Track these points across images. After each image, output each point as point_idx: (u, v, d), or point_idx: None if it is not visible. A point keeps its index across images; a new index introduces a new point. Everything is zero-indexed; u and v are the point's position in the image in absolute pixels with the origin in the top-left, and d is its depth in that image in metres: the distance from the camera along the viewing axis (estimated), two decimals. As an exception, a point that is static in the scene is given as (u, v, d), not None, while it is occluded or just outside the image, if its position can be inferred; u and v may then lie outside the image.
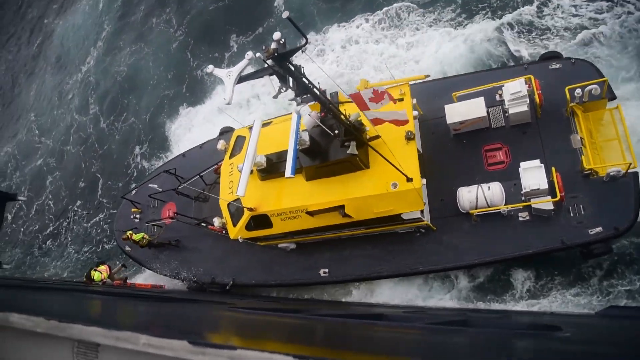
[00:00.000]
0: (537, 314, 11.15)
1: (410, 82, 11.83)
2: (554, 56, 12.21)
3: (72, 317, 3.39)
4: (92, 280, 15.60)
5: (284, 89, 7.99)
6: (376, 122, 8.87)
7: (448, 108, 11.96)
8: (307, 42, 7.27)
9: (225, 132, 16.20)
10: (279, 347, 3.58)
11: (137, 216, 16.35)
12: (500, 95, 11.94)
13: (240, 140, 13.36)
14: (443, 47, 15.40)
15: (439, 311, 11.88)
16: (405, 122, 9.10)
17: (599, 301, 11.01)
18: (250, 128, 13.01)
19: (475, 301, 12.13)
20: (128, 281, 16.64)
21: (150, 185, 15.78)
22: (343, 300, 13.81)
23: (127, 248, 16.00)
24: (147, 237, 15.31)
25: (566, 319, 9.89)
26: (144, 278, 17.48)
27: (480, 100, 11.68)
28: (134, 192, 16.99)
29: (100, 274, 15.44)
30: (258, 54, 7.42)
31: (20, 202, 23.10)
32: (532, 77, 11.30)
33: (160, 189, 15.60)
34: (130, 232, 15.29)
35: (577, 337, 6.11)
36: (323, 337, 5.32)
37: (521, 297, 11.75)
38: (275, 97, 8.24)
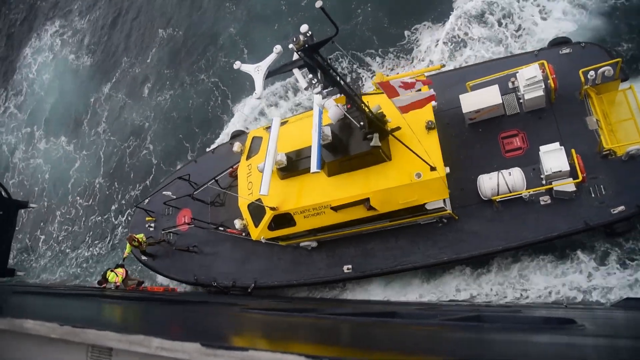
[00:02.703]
0: (550, 307, 11.17)
1: (426, 74, 11.95)
2: (563, 41, 12.39)
3: (85, 322, 3.46)
4: (106, 281, 15.51)
5: (315, 80, 8.05)
6: (404, 109, 8.93)
7: (463, 98, 12.10)
8: (337, 32, 7.34)
9: (237, 135, 16.24)
10: (291, 346, 3.66)
11: (152, 224, 16.27)
12: (514, 82, 12.11)
13: (257, 141, 13.39)
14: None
15: (450, 306, 11.88)
16: (433, 97, 9.09)
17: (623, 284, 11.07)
18: (267, 128, 13.08)
19: (486, 292, 12.23)
20: (141, 286, 16.52)
21: (164, 192, 15.74)
22: (356, 298, 13.80)
23: (143, 258, 15.92)
24: (144, 240, 15.47)
25: (581, 312, 9.88)
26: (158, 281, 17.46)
27: (495, 88, 11.82)
28: (147, 200, 16.91)
29: (115, 275, 15.33)
30: (290, 45, 7.47)
31: (31, 209, 22.88)
32: (545, 62, 11.46)
33: (174, 196, 15.56)
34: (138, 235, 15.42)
35: (593, 331, 6.13)
36: (335, 336, 5.31)
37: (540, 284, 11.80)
38: (306, 89, 8.29)
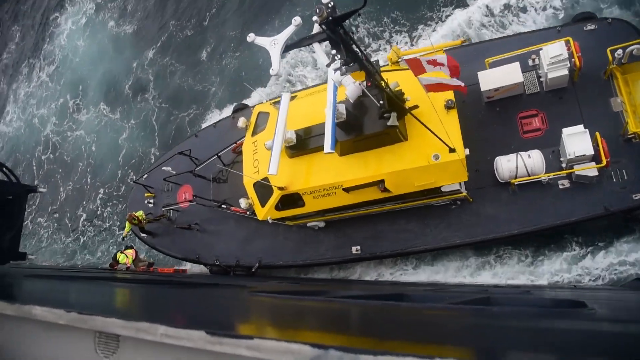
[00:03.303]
0: (559, 287, 11.00)
1: (445, 49, 11.32)
2: (588, 17, 11.79)
3: (93, 309, 3.50)
4: (117, 262, 15.34)
5: (338, 56, 7.44)
6: (431, 88, 8.38)
7: (481, 75, 11.54)
8: (365, 4, 6.70)
9: (239, 109, 15.59)
10: (298, 334, 3.73)
11: (152, 201, 15.76)
12: (534, 59, 11.56)
13: (263, 116, 12.78)
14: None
15: (459, 287, 11.68)
16: (464, 88, 8.62)
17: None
18: (273, 103, 12.46)
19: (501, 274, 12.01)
20: (151, 267, 16.23)
21: (163, 167, 15.17)
22: (366, 278, 13.57)
23: (143, 235, 15.49)
24: (144, 217, 15.08)
25: (591, 293, 9.69)
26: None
27: (516, 66, 11.26)
28: (145, 175, 16.32)
29: (125, 257, 15.06)
30: (314, 17, 6.83)
31: (40, 193, 22.29)
32: (570, 39, 10.89)
33: (175, 172, 15.01)
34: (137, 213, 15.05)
35: (605, 315, 5.86)
36: (342, 321, 5.14)
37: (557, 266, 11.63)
38: (328, 65, 7.69)
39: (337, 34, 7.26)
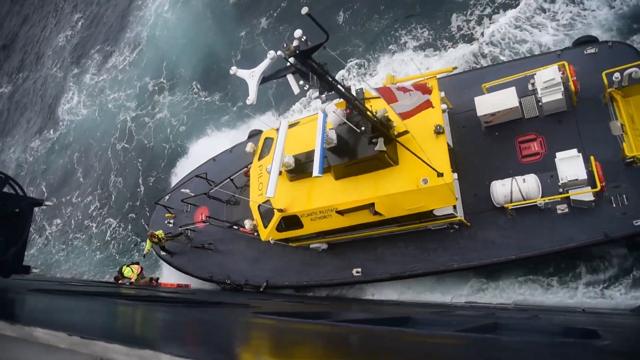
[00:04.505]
0: (568, 311, 10.62)
1: (438, 76, 11.56)
2: (589, 40, 11.68)
3: (95, 331, 3.50)
4: (122, 276, 16.10)
5: (307, 86, 7.92)
6: (405, 116, 8.66)
7: (478, 100, 11.62)
8: (327, 38, 7.17)
9: (254, 135, 16.34)
10: None
11: (171, 221, 16.66)
12: (533, 84, 11.52)
13: (269, 142, 13.42)
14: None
15: (465, 309, 11.51)
16: (429, 103, 8.76)
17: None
18: (278, 129, 13.06)
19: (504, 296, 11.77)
20: (154, 281, 16.94)
21: (182, 190, 16.08)
22: (369, 297, 13.60)
23: (162, 254, 16.35)
24: (163, 236, 15.78)
25: (601, 319, 9.32)
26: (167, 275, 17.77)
27: (512, 90, 11.29)
28: (167, 197, 17.33)
29: (131, 271, 15.88)
30: (279, 52, 7.37)
31: (46, 207, 23.41)
32: (565, 63, 10.84)
33: (192, 194, 15.87)
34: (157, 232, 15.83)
35: (618, 347, 5.68)
36: (346, 348, 5.18)
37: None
38: (297, 94, 8.19)
39: (307, 65, 7.75)
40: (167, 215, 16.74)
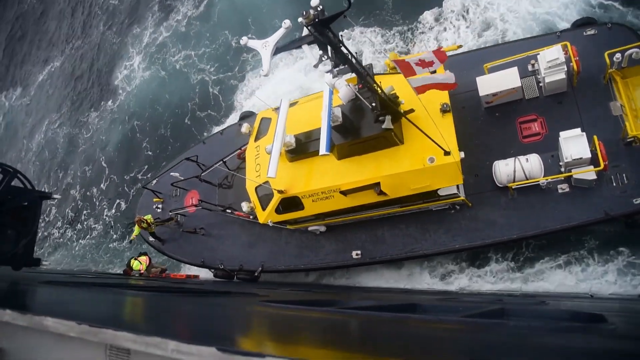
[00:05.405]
0: (575, 296, 10.78)
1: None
2: (588, 22, 11.79)
3: (105, 320, 3.55)
4: (131, 269, 15.70)
5: (325, 57, 7.65)
6: (421, 89, 8.50)
7: (480, 80, 11.61)
8: (349, 6, 6.93)
9: (246, 117, 15.93)
10: (309, 352, 3.60)
11: (160, 206, 16.13)
12: (533, 64, 11.57)
13: (265, 122, 13.06)
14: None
15: (472, 296, 11.54)
16: (454, 85, 8.70)
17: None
18: (275, 109, 12.73)
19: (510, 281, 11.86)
20: (164, 273, 16.52)
21: (171, 173, 15.56)
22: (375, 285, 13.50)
23: (151, 239, 15.83)
24: (152, 221, 15.34)
25: (608, 304, 9.47)
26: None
27: (514, 70, 11.31)
28: (154, 181, 16.75)
29: (139, 263, 15.43)
30: (300, 19, 7.08)
31: (55, 200, 22.81)
32: (568, 43, 10.91)
33: (182, 177, 15.37)
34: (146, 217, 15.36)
35: (626, 331, 5.71)
36: (354, 335, 5.10)
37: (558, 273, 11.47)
38: (316, 66, 7.91)
39: (324, 36, 7.48)
40: (154, 200, 16.18)
